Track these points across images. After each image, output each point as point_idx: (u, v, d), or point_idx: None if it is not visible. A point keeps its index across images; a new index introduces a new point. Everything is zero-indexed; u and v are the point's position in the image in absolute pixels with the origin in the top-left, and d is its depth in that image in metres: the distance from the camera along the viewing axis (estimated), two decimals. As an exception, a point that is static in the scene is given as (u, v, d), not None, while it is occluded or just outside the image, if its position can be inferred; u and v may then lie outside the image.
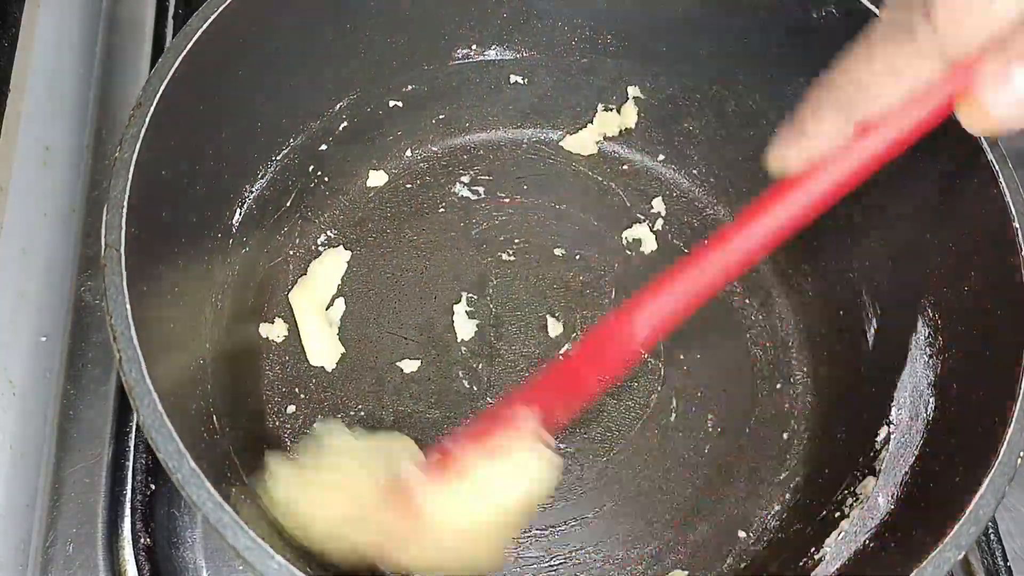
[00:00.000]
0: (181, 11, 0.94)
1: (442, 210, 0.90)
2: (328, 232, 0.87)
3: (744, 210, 0.57)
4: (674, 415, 0.81)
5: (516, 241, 0.89)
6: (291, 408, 0.78)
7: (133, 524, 0.69)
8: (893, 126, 0.51)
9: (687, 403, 0.82)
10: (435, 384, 0.81)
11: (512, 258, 0.88)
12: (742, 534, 0.77)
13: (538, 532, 0.76)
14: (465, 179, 0.91)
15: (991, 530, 0.76)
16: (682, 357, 0.84)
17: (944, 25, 0.45)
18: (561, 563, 0.75)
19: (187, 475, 0.52)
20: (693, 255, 0.59)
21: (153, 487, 0.70)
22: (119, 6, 0.99)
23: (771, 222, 0.56)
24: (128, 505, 0.71)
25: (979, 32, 0.45)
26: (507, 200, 0.90)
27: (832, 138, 0.52)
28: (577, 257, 0.88)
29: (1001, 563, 0.75)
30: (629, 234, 0.90)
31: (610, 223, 0.90)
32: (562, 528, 0.76)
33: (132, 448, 0.73)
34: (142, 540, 0.68)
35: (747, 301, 0.87)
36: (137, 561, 0.68)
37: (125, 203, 0.58)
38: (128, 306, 0.55)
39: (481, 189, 0.91)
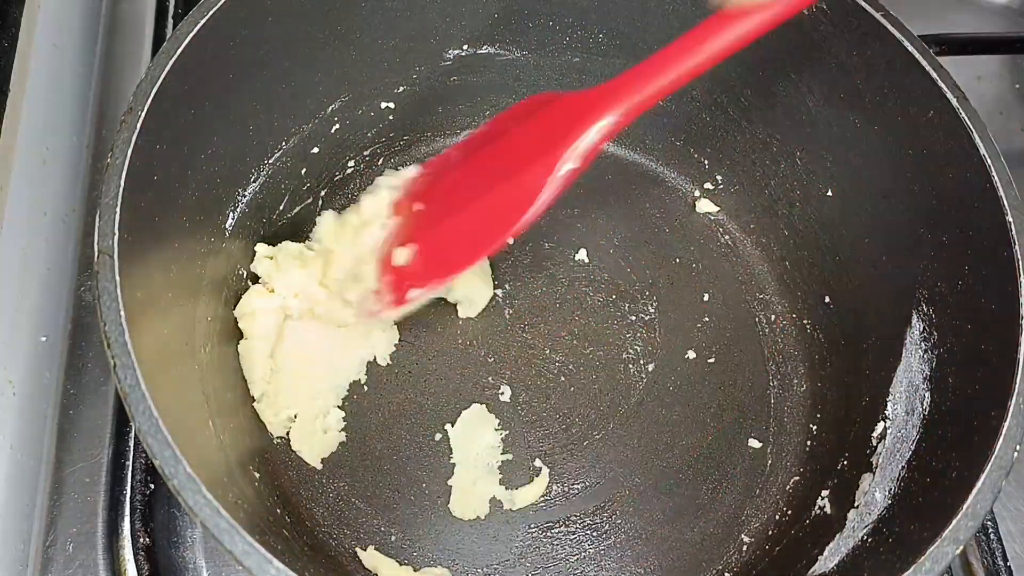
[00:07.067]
0: (181, 11, 0.94)
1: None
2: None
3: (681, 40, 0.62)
4: (674, 414, 0.81)
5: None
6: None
7: (133, 524, 0.69)
8: None
9: (686, 402, 0.82)
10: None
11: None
12: (741, 533, 0.77)
13: (536, 533, 0.75)
14: (460, 179, 0.91)
15: (991, 531, 0.75)
16: (679, 356, 0.84)
17: None
18: (558, 565, 0.75)
19: (183, 481, 0.52)
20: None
21: (152, 487, 0.70)
22: (119, 6, 0.99)
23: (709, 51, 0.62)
24: (128, 505, 0.71)
25: None
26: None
27: None
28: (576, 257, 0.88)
29: (1001, 563, 0.74)
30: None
31: (608, 221, 0.90)
32: (559, 529, 0.76)
33: (132, 448, 0.73)
34: (142, 540, 0.68)
35: (744, 300, 0.87)
36: (137, 561, 0.68)
37: (118, 209, 0.58)
38: (122, 312, 0.56)
39: (476, 189, 0.90)
